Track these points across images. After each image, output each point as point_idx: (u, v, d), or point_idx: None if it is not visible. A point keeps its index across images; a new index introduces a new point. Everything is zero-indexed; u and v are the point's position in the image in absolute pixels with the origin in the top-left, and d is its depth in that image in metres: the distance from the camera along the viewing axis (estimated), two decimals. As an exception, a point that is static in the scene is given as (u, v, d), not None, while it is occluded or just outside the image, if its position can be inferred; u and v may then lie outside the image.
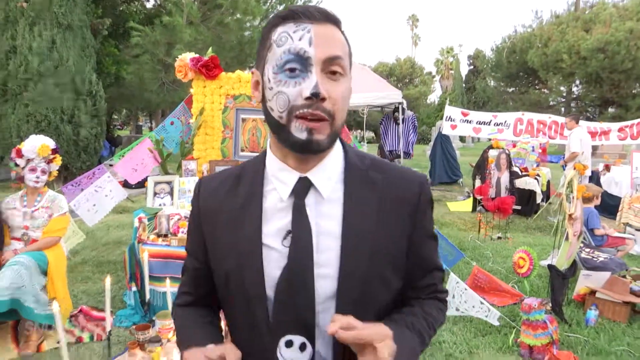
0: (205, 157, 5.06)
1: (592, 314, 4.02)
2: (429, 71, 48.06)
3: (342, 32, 0.91)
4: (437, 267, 1.05)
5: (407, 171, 1.02)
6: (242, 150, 5.14)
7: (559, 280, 3.96)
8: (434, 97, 42.84)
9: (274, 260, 0.91)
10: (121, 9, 14.70)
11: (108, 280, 3.24)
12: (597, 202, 5.18)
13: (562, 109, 21.93)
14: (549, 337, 3.41)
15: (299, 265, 0.88)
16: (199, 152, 5.05)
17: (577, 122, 7.94)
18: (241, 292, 0.93)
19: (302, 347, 0.89)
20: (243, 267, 0.92)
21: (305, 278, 0.88)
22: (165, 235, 4.13)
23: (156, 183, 4.60)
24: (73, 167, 9.98)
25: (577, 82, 21.34)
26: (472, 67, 40.55)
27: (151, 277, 3.86)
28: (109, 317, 3.01)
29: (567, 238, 3.93)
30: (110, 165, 5.24)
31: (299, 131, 0.85)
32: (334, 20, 0.88)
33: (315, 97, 0.83)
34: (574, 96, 22.61)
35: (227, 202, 0.97)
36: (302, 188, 0.92)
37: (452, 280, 3.74)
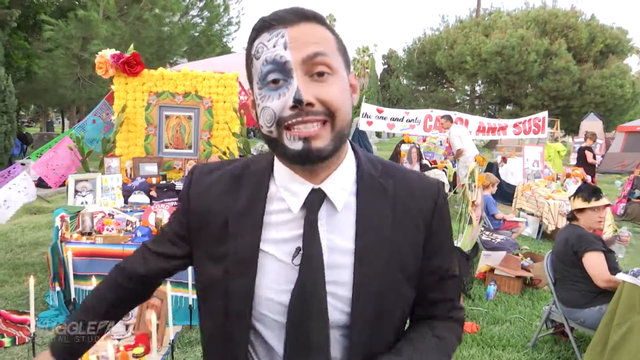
0: (128, 154, 5.01)
1: (492, 288, 4.57)
2: (346, 69, 49.20)
3: (329, 28, 0.84)
4: (452, 276, 0.98)
5: (421, 177, 0.97)
6: (167, 147, 5.15)
7: (464, 261, 4.45)
8: (351, 95, 44.00)
9: (275, 278, 0.85)
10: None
11: (32, 281, 3.20)
12: (494, 190, 5.83)
13: (467, 106, 23.67)
14: (455, 310, 3.85)
15: (311, 286, 0.82)
16: (122, 149, 5.00)
17: (451, 122, 8.71)
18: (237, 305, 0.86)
19: None
20: (231, 277, 0.85)
21: (319, 300, 0.82)
22: (90, 234, 4.08)
23: (77, 181, 4.50)
24: (-19, 166, 9.27)
25: (479, 82, 23.18)
26: (386, 66, 42.17)
27: (76, 276, 3.80)
28: (33, 318, 2.97)
29: (470, 222, 4.43)
30: (22, 164, 5.02)
31: (292, 142, 0.79)
32: (312, 18, 0.81)
33: (299, 103, 0.76)
34: (477, 95, 24.53)
35: (224, 204, 0.90)
36: (316, 200, 0.85)
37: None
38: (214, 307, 0.89)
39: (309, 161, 0.80)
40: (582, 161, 9.73)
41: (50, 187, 6.15)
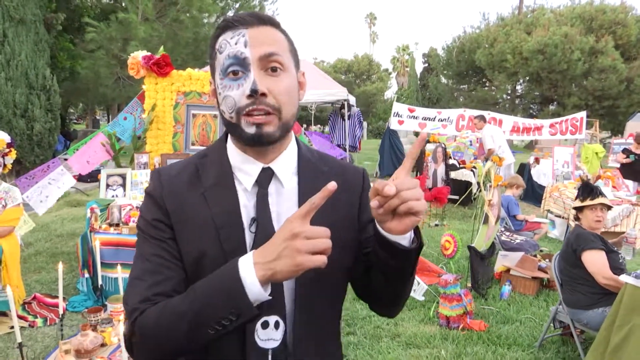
0: (157, 150, 5.28)
1: (506, 288, 4.56)
2: (386, 68, 48.88)
3: (283, 32, 0.99)
4: None
5: (348, 164, 1.15)
6: (193, 144, 5.40)
7: (477, 260, 4.45)
8: (390, 93, 43.65)
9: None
10: (76, 3, 14.52)
11: (61, 266, 3.47)
12: (517, 191, 5.76)
13: (507, 106, 23.09)
14: (464, 309, 3.88)
15: None
16: (151, 146, 5.28)
17: (484, 122, 8.61)
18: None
19: (276, 325, 0.95)
20: (224, 240, 0.94)
21: None
22: (117, 225, 4.35)
23: (109, 175, 4.80)
24: (26, 162, 9.95)
25: (520, 81, 22.57)
26: (426, 64, 41.52)
27: (103, 264, 4.07)
28: (61, 301, 3.23)
29: (485, 222, 4.43)
30: (65, 159, 5.37)
31: (248, 127, 0.93)
32: (269, 22, 0.97)
33: (255, 93, 0.90)
34: (518, 94, 23.88)
35: (195, 184, 1.00)
36: (265, 178, 0.99)
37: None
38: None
39: (261, 143, 0.95)
40: (624, 164, 9.36)
41: (89, 181, 6.53)
